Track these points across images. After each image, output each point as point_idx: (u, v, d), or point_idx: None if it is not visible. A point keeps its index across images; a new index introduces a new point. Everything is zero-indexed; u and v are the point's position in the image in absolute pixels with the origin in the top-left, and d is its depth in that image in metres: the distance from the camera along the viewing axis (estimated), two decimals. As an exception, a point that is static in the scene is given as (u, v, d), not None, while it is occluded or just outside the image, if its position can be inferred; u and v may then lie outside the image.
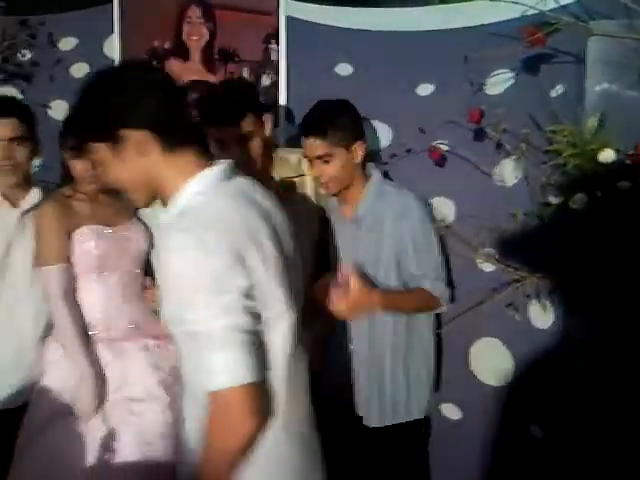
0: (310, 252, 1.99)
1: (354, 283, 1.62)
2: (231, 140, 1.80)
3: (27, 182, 2.04)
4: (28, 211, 2.00)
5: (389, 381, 1.93)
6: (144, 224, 2.13)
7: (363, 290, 1.64)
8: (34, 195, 2.02)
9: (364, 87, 2.10)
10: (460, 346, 2.07)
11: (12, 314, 2.00)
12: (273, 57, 2.21)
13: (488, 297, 1.97)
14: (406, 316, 1.90)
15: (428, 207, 1.94)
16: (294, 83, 2.22)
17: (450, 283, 1.95)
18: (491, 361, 2.04)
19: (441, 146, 1.98)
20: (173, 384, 2.04)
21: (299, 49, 2.20)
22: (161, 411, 1.96)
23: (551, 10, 1.67)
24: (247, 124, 1.81)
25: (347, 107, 1.88)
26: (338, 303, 1.63)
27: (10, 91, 2.52)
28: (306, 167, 1.95)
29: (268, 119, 1.91)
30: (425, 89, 2.06)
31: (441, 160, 2.00)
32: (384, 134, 2.13)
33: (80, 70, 2.48)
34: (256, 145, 1.85)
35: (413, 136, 2.02)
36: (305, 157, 1.91)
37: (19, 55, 2.50)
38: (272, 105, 2.18)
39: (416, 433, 1.99)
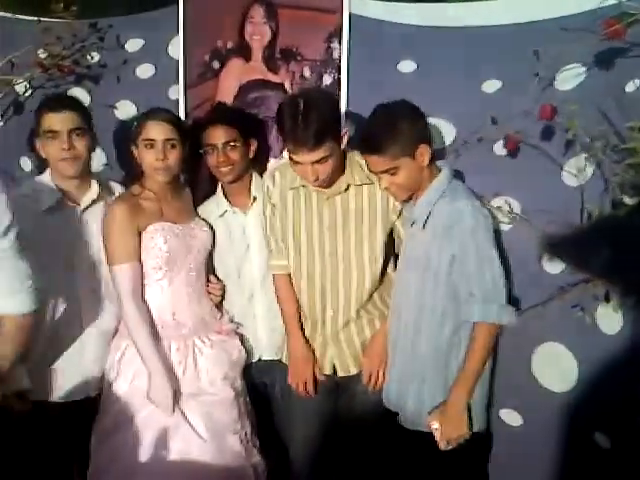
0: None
1: (439, 432, 1.80)
2: (316, 161, 1.80)
3: (87, 178, 2.09)
4: (88, 208, 2.05)
5: (418, 385, 1.88)
6: (205, 221, 2.17)
7: (451, 418, 1.78)
8: (94, 191, 2.07)
9: (428, 84, 2.06)
10: (522, 350, 2.00)
11: (77, 310, 2.05)
12: (335, 55, 2.20)
13: (553, 298, 1.90)
14: (452, 322, 1.83)
15: (485, 218, 1.81)
16: (356, 81, 2.20)
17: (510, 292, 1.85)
18: (555, 366, 1.96)
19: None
20: (235, 379, 2.07)
21: (361, 47, 2.17)
22: (226, 404, 1.99)
23: (629, 0, 1.61)
24: (329, 147, 1.80)
25: (406, 111, 1.82)
26: (444, 441, 1.80)
27: (79, 92, 2.59)
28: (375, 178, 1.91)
29: (346, 135, 1.90)
30: (492, 86, 2.00)
31: (515, 151, 1.92)
32: (447, 132, 2.08)
33: (146, 71, 2.53)
34: (337, 159, 1.86)
35: (478, 133, 1.98)
36: (370, 171, 1.88)
37: (88, 57, 2.57)
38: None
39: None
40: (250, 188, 2.17)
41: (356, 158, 1.96)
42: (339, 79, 2.19)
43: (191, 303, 2.06)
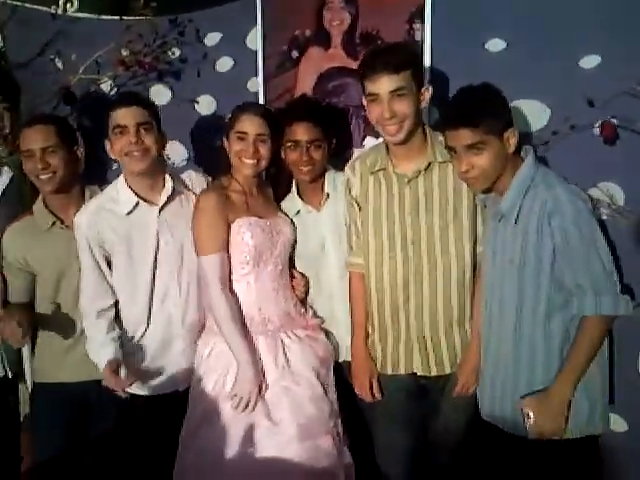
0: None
1: (532, 421, 1.67)
2: (395, 90, 1.78)
3: (160, 176, 2.07)
4: (165, 205, 2.05)
5: (525, 390, 1.74)
6: (288, 216, 2.12)
7: (549, 408, 1.66)
8: (168, 188, 2.06)
9: (519, 63, 1.93)
10: (630, 349, 1.84)
11: (162, 304, 2.07)
12: (417, 37, 2.09)
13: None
14: (561, 318, 1.69)
15: (585, 203, 1.68)
16: (440, 63, 2.08)
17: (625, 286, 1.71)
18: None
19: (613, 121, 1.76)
20: (326, 376, 2.02)
21: (445, 27, 2.05)
22: (317, 400, 1.96)
23: None
24: (409, 81, 1.78)
25: (495, 92, 1.72)
26: (536, 431, 1.68)
27: (160, 89, 2.62)
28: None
29: (427, 91, 1.85)
30: (590, 61, 1.84)
31: (613, 137, 1.77)
32: (541, 114, 1.94)
33: (224, 65, 2.51)
34: (415, 109, 1.82)
35: (575, 115, 1.83)
36: (449, 149, 1.75)
37: (169, 53, 2.58)
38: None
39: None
40: (323, 185, 2.11)
41: (439, 137, 1.85)
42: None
43: (277, 298, 2.03)
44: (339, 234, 2.09)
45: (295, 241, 2.13)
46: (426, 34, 2.08)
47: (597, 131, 1.81)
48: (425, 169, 1.87)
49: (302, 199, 2.13)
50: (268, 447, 1.88)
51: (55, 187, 2.06)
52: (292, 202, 2.15)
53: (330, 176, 2.12)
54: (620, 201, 1.83)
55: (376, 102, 1.80)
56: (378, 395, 2.02)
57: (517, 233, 1.71)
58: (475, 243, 1.90)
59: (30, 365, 2.24)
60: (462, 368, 1.93)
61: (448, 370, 1.94)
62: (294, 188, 2.15)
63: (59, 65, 2.73)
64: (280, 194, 2.20)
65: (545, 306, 1.70)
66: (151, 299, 2.05)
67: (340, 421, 2.03)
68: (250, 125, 1.99)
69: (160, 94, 2.61)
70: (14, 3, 2.80)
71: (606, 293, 1.63)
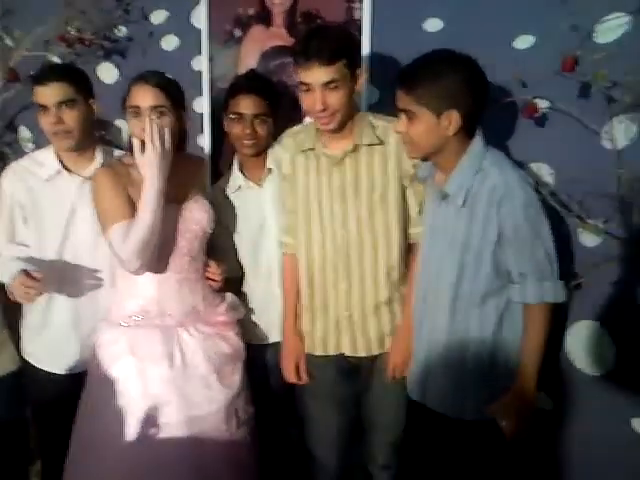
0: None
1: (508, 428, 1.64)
2: (327, 82, 1.70)
3: (89, 148, 2.01)
4: (89, 179, 1.94)
5: (456, 372, 1.73)
6: (209, 202, 1.99)
7: (522, 410, 1.64)
8: (97, 161, 2.00)
9: (455, 43, 1.89)
10: (555, 328, 1.84)
11: (73, 282, 2.00)
12: (356, 16, 2.08)
13: (589, 273, 1.75)
14: (496, 303, 1.67)
15: (533, 190, 1.63)
16: (378, 43, 2.07)
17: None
18: (590, 346, 1.84)
19: (539, 102, 1.77)
20: (231, 372, 1.94)
21: (384, 6, 2.03)
22: (218, 407, 1.86)
23: None
24: (342, 72, 1.70)
25: (459, 67, 1.60)
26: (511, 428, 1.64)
27: (107, 67, 2.58)
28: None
29: (361, 74, 1.78)
30: (524, 41, 1.84)
31: (538, 118, 1.78)
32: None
33: (170, 43, 2.48)
34: (349, 97, 1.74)
35: (508, 95, 1.83)
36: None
37: (115, 31, 2.54)
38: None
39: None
40: (266, 160, 2.07)
41: (369, 119, 1.83)
42: (360, 41, 2.07)
43: (181, 291, 1.88)
44: (281, 212, 2.03)
45: (212, 229, 1.98)
46: (365, 13, 2.06)
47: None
48: (352, 151, 1.83)
49: (244, 175, 2.10)
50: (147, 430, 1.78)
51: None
52: (233, 178, 2.11)
53: (273, 151, 2.05)
54: (550, 179, 1.84)
55: (308, 92, 1.75)
56: (305, 377, 1.98)
57: (462, 215, 1.66)
58: (406, 226, 1.88)
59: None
60: (393, 350, 1.91)
61: (376, 351, 1.92)
62: (235, 163, 2.11)
63: (8, 42, 2.68)
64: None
65: (483, 289, 1.68)
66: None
67: (247, 427, 1.95)
68: (143, 98, 1.78)
69: (107, 72, 2.58)
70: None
71: (547, 280, 1.61)
